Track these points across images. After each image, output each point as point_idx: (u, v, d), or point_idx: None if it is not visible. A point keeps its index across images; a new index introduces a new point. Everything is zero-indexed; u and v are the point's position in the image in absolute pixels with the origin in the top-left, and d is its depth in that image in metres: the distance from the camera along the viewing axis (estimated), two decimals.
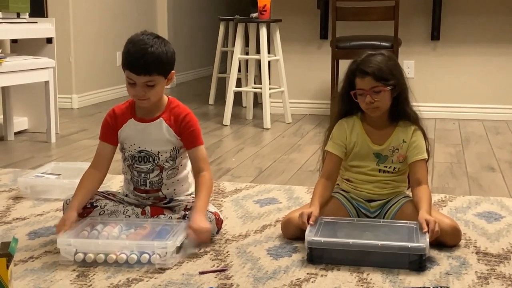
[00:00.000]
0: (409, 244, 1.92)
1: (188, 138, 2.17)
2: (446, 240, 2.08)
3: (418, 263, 1.90)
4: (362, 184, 2.22)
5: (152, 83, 2.06)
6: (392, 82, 2.10)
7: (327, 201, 2.21)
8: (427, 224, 1.97)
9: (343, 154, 2.21)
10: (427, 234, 1.95)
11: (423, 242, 1.91)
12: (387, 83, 2.10)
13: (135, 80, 2.06)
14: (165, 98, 2.20)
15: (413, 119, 2.20)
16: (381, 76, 2.09)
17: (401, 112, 2.18)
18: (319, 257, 1.95)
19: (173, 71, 2.13)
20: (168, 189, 2.22)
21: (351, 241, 1.95)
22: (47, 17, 5.10)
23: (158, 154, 2.17)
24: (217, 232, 2.16)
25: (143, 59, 2.02)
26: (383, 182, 2.21)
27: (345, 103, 2.21)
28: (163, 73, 2.08)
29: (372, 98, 2.10)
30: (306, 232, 1.98)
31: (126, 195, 2.27)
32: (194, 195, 2.30)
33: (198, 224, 2.01)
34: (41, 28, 4.10)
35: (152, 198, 2.23)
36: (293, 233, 2.15)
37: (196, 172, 2.19)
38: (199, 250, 2.05)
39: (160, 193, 2.22)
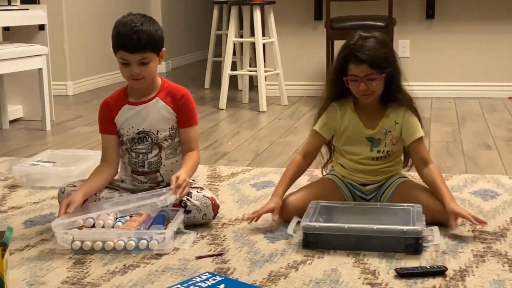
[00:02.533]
0: (405, 228, 1.91)
1: (184, 116, 2.18)
2: (443, 219, 2.07)
3: (414, 246, 1.89)
4: (356, 173, 2.21)
5: (146, 60, 2.08)
6: (387, 70, 2.07)
7: (321, 182, 2.21)
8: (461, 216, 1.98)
9: (329, 136, 2.20)
10: (423, 216, 1.96)
11: (419, 225, 1.91)
12: (382, 70, 2.06)
13: (129, 59, 2.07)
14: (159, 79, 2.22)
15: (406, 101, 2.16)
16: (376, 64, 2.05)
17: (392, 94, 2.15)
18: (315, 243, 1.94)
19: (164, 49, 2.16)
20: (166, 170, 2.22)
21: (346, 225, 1.94)
22: (38, 3, 5.04)
23: (157, 133, 2.18)
24: (214, 217, 2.16)
25: (136, 36, 2.05)
26: (377, 171, 2.20)
27: (336, 88, 2.16)
28: (155, 49, 2.11)
29: (366, 85, 2.07)
30: (303, 217, 1.98)
31: (122, 181, 2.27)
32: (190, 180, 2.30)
33: (178, 176, 2.03)
34: (33, 15, 4.07)
35: (149, 182, 2.24)
36: (289, 215, 2.15)
37: (186, 151, 2.20)
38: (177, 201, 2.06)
39: (158, 174, 2.22)
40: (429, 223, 2.07)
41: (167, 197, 1.99)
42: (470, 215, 1.98)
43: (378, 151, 2.18)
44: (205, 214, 2.12)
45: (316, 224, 1.95)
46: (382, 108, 2.18)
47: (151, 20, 2.13)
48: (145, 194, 2.11)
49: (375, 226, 1.92)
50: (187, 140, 2.20)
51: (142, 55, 2.07)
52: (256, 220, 2.09)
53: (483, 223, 1.98)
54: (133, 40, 2.05)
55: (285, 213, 2.17)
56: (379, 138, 2.18)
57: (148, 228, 2.00)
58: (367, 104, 2.16)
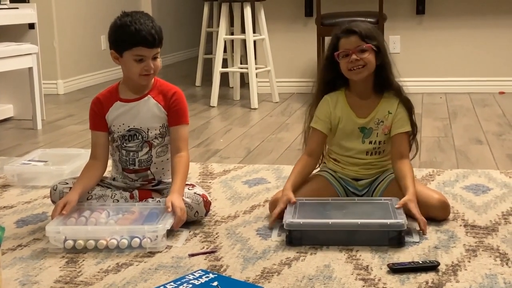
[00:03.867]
0: (389, 221, 1.92)
1: (174, 114, 2.18)
2: (436, 214, 2.09)
3: (397, 239, 1.91)
4: (349, 166, 2.22)
5: (157, 55, 2.14)
6: (376, 43, 2.12)
7: (313, 179, 2.21)
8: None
9: (327, 130, 2.21)
10: (401, 209, 1.97)
11: (401, 218, 1.92)
12: (372, 42, 2.11)
13: (147, 55, 2.09)
14: None
15: (396, 89, 2.18)
16: (366, 35, 2.11)
17: (385, 80, 2.17)
18: (298, 239, 1.94)
19: None
20: (157, 168, 2.22)
21: (330, 221, 1.94)
22: (28, 2, 5.03)
23: (147, 131, 2.18)
24: (206, 215, 2.16)
25: (154, 31, 2.09)
26: (370, 164, 2.21)
27: (328, 70, 2.19)
28: (162, 44, 2.16)
29: (357, 56, 2.10)
30: (284, 215, 1.98)
31: (114, 179, 2.27)
32: None
33: (174, 204, 2.01)
34: (23, 14, 4.05)
35: (140, 179, 2.23)
36: (280, 213, 2.15)
37: (174, 151, 2.18)
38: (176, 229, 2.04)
39: (148, 172, 2.22)
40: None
41: (165, 224, 1.96)
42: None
43: (370, 142, 2.19)
44: (197, 211, 2.12)
45: (300, 220, 1.95)
46: (374, 97, 2.19)
47: (150, 16, 2.17)
48: (144, 206, 2.11)
49: (359, 221, 1.93)
50: (176, 139, 2.18)
51: (157, 50, 2.12)
52: (274, 221, 2.06)
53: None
54: (153, 35, 2.08)
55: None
56: (371, 128, 2.18)
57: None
58: (360, 91, 2.17)
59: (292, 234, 1.94)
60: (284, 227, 1.95)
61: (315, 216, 2.03)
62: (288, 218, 1.95)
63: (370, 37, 2.12)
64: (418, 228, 1.99)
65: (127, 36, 2.08)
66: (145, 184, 2.24)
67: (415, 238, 1.96)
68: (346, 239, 1.93)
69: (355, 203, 2.13)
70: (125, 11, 2.15)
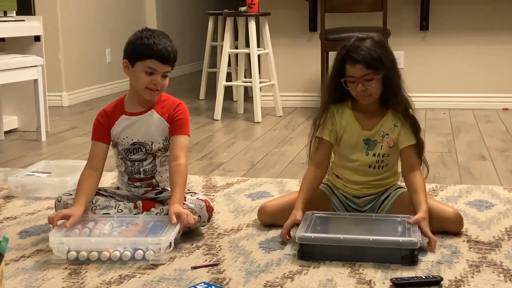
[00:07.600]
0: (401, 239, 1.90)
1: (175, 124, 2.20)
2: (450, 227, 2.08)
3: (410, 257, 1.89)
4: (351, 184, 2.21)
5: (168, 73, 2.17)
6: (383, 70, 2.07)
7: (314, 194, 2.20)
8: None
9: (334, 140, 2.20)
10: (417, 227, 1.96)
11: (415, 236, 1.90)
12: (378, 71, 2.07)
13: (158, 69, 2.13)
14: None
15: (403, 106, 2.15)
16: (371, 64, 2.05)
17: (392, 97, 2.14)
18: (310, 253, 1.94)
19: None
20: (161, 176, 2.25)
21: (342, 236, 1.93)
22: (34, 14, 5.07)
23: (151, 144, 2.20)
24: (208, 220, 2.16)
25: (171, 49, 2.14)
26: (372, 183, 2.19)
27: (335, 90, 2.17)
28: (174, 65, 2.20)
29: (364, 86, 2.07)
30: (298, 228, 1.98)
31: (118, 188, 2.27)
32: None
33: (179, 212, 2.02)
34: (29, 26, 4.07)
35: (145, 186, 2.25)
36: (265, 220, 2.22)
37: (172, 159, 2.16)
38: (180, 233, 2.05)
39: (153, 180, 2.24)
40: (433, 232, 2.04)
41: (169, 236, 1.96)
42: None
43: (374, 155, 2.17)
44: (199, 216, 2.12)
45: (312, 235, 1.95)
46: (381, 110, 2.18)
47: (170, 37, 2.21)
48: (148, 218, 2.12)
49: (370, 237, 1.92)
50: (174, 147, 2.18)
51: (169, 68, 2.16)
52: (288, 237, 2.07)
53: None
54: (169, 52, 2.13)
55: (261, 218, 2.23)
56: (376, 140, 2.17)
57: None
58: (366, 106, 2.16)
59: (303, 248, 1.94)
60: (296, 240, 1.94)
61: (329, 230, 2.03)
62: (300, 232, 1.95)
63: (376, 65, 2.06)
64: (427, 245, 1.97)
65: (144, 47, 2.12)
66: (148, 191, 2.25)
67: (430, 257, 1.94)
68: (358, 255, 1.91)
69: (372, 219, 2.11)
70: (147, 27, 2.20)
